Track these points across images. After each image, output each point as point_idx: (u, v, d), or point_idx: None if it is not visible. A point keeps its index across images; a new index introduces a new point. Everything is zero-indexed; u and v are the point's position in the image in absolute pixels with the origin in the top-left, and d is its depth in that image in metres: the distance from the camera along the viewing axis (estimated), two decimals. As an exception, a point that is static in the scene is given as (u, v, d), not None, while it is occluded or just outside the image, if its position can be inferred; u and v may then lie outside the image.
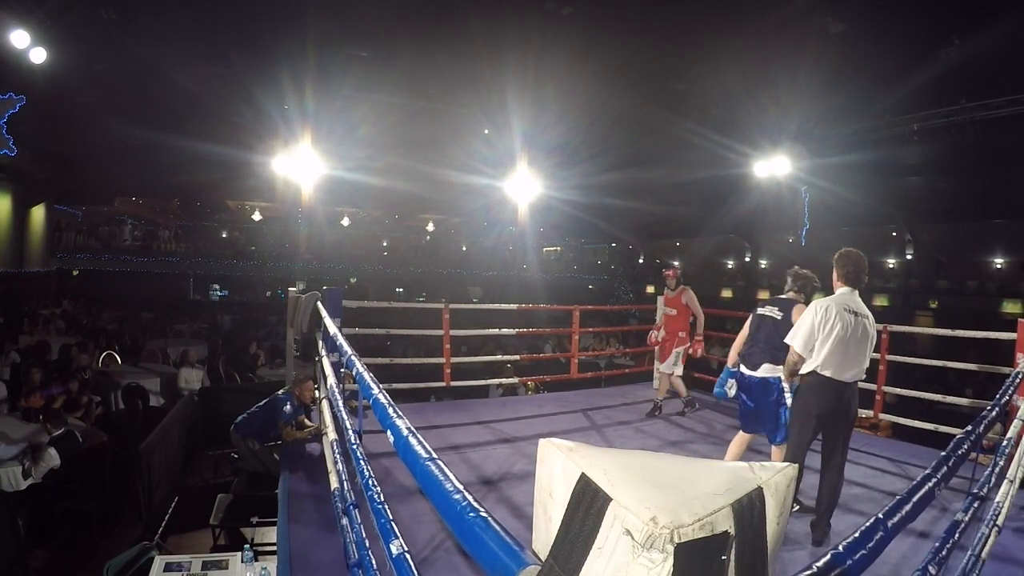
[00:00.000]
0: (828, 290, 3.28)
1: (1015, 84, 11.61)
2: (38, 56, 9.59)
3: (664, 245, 27.87)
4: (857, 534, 1.16)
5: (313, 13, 10.66)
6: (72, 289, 18.11)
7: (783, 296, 3.68)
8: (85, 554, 4.57)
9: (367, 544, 1.89)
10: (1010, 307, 16.78)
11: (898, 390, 5.15)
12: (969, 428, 2.02)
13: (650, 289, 23.67)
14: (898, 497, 1.37)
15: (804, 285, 3.64)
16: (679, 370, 5.60)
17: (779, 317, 3.49)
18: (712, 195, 19.05)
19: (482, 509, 0.99)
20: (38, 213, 17.73)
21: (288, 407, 4.61)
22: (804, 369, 3.11)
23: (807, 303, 3.46)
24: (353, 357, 2.45)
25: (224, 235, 26.46)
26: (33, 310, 12.83)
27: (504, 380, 7.21)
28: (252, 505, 4.36)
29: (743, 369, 3.56)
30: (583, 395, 6.57)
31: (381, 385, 1.89)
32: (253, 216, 26.92)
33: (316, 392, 4.69)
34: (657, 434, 5.12)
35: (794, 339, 3.10)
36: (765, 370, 3.45)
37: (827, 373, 3.03)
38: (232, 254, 23.49)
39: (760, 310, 3.64)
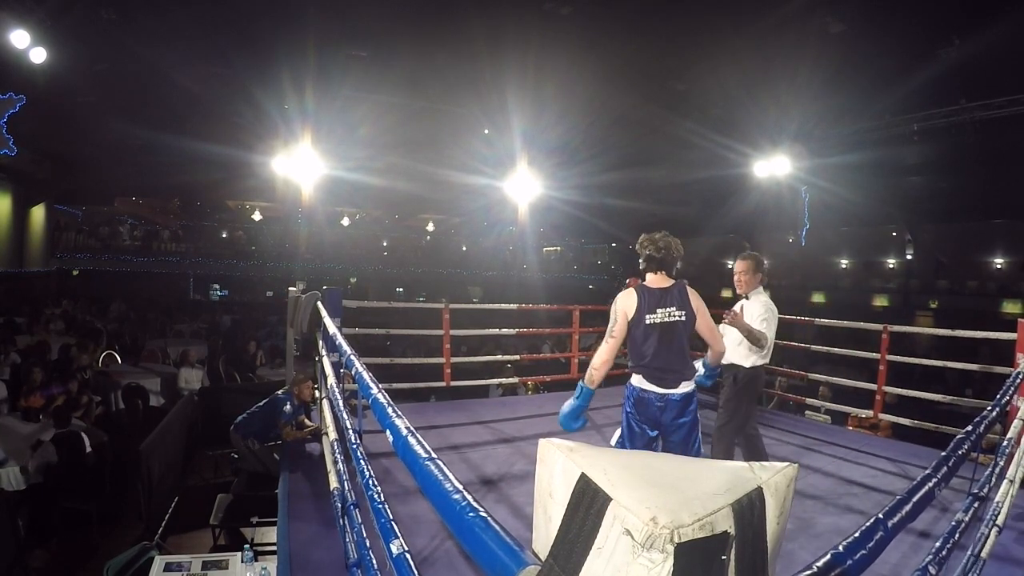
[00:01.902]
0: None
1: (1015, 84, 11.61)
2: (38, 56, 9.58)
3: (664, 245, 27.86)
4: (857, 534, 1.16)
5: (313, 13, 10.65)
6: (72, 289, 18.11)
7: (659, 286, 2.85)
8: (85, 554, 4.57)
9: (367, 544, 1.89)
10: (1010, 307, 16.80)
11: (898, 390, 5.16)
12: (969, 428, 2.02)
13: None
14: (898, 497, 1.37)
15: (674, 257, 2.89)
16: None
17: (684, 318, 2.81)
18: (712, 195, 19.06)
19: (482, 509, 0.99)
20: (38, 213, 17.72)
21: (288, 407, 4.61)
22: (754, 363, 3.51)
23: (672, 275, 2.90)
24: (352, 357, 2.45)
25: (224, 235, 26.43)
26: (33, 310, 12.83)
27: (504, 380, 7.21)
28: (252, 505, 4.36)
29: (653, 388, 2.80)
30: (583, 395, 6.55)
31: (381, 385, 1.89)
32: (253, 216, 26.93)
33: (316, 392, 4.70)
34: (657, 434, 5.11)
35: (767, 339, 3.46)
36: (685, 386, 2.83)
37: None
38: (232, 254, 23.48)
39: (653, 317, 2.78)
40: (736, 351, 3.49)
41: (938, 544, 1.75)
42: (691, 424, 2.85)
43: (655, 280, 2.88)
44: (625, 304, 2.83)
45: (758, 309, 3.50)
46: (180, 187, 21.61)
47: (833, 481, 3.99)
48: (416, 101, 14.76)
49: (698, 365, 3.00)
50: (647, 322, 2.78)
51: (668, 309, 2.79)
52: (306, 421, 4.79)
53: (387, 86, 13.61)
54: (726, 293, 24.45)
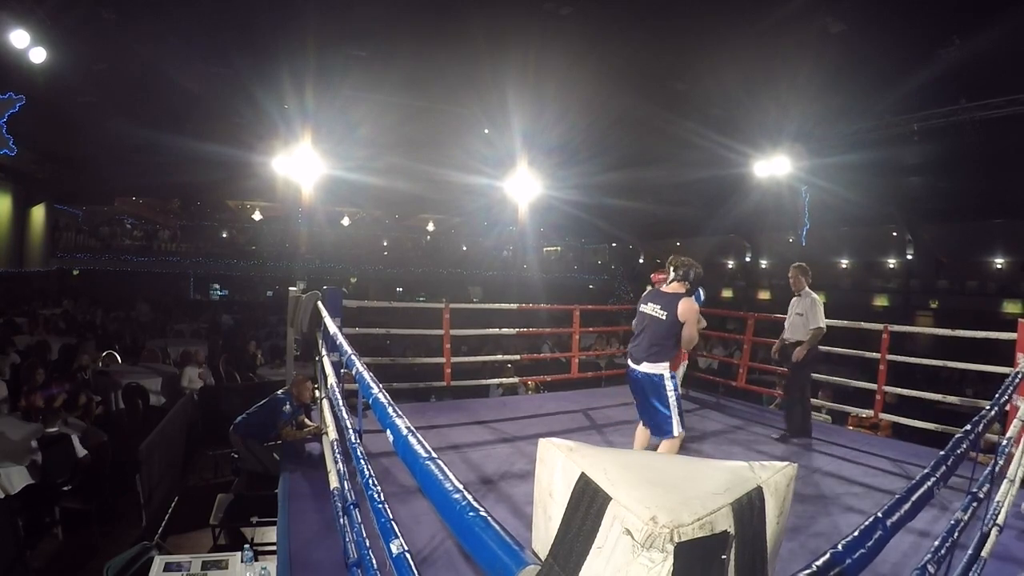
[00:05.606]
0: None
1: (1015, 84, 11.61)
2: (38, 56, 9.57)
3: (664, 245, 27.89)
4: (856, 533, 1.15)
5: (313, 13, 10.65)
6: (72, 289, 18.11)
7: (664, 289, 3.62)
8: (85, 554, 4.57)
9: (367, 543, 1.89)
10: (1010, 307, 16.78)
11: (898, 390, 5.16)
12: (968, 427, 2.02)
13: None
14: (897, 496, 1.37)
15: (687, 273, 3.59)
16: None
17: (663, 317, 3.48)
18: (712, 195, 19.06)
19: (482, 508, 0.99)
20: (38, 213, 17.74)
21: (287, 407, 4.61)
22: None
23: (689, 292, 3.58)
24: (353, 356, 2.45)
25: (224, 235, 26.46)
26: (33, 310, 12.83)
27: (504, 380, 7.21)
28: (252, 505, 4.36)
29: (629, 362, 3.64)
30: (583, 395, 6.56)
31: (381, 384, 1.89)
32: (253, 216, 26.94)
33: (316, 391, 4.69)
34: (657, 434, 5.11)
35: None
36: (646, 367, 3.51)
37: None
38: (232, 254, 23.51)
39: (644, 308, 3.61)
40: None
41: (938, 543, 1.75)
42: (654, 407, 3.49)
43: (669, 286, 3.59)
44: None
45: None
46: (180, 187, 21.63)
47: (833, 481, 3.99)
48: (416, 101, 14.75)
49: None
50: (640, 309, 3.65)
51: (655, 306, 3.54)
52: (306, 421, 4.78)
53: (387, 86, 13.61)
54: (726, 293, 24.52)
